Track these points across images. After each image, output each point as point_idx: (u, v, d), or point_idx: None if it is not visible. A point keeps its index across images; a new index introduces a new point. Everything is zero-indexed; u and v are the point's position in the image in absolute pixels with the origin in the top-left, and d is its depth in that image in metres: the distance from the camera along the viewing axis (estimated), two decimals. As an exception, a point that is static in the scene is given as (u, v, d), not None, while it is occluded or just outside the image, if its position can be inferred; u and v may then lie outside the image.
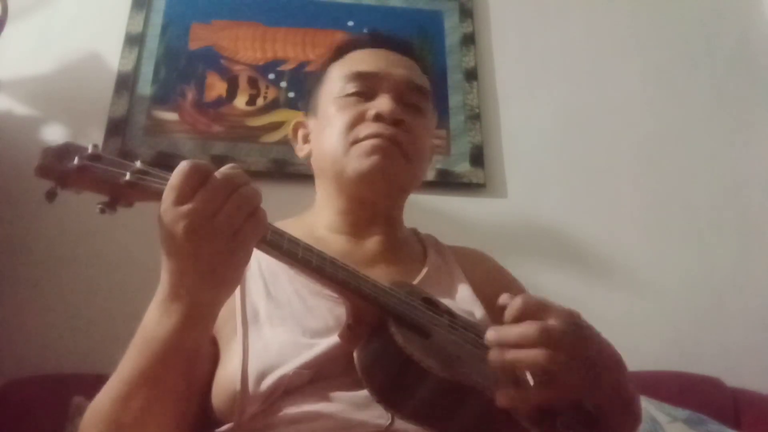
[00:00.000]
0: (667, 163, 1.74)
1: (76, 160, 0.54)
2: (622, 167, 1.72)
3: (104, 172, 0.54)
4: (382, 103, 0.81)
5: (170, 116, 1.59)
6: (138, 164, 0.56)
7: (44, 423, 1.10)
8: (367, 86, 0.84)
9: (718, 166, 1.76)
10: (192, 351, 0.61)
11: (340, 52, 0.91)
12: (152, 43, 1.66)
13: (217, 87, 1.64)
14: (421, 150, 0.85)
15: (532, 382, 0.56)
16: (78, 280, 1.38)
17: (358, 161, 0.80)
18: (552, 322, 0.56)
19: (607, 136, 1.75)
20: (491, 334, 0.57)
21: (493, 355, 0.56)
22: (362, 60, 0.87)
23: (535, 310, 0.58)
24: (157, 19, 1.69)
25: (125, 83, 1.59)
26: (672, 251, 1.64)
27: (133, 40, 1.65)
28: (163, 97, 1.61)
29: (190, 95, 1.62)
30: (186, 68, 1.65)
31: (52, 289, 1.37)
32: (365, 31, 0.97)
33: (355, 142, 0.81)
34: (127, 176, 0.54)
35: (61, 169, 0.54)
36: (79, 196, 0.56)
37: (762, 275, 1.64)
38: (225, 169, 0.56)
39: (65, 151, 0.55)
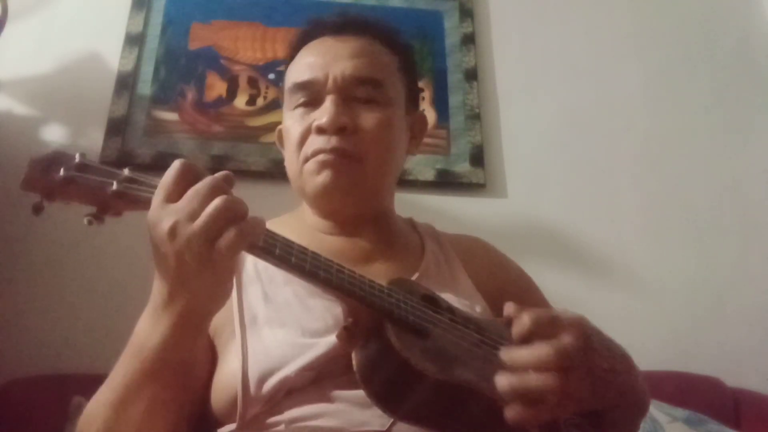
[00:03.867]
0: (667, 163, 1.74)
1: (61, 172, 0.53)
2: (622, 167, 1.72)
3: (90, 183, 0.53)
4: (323, 113, 0.77)
5: (170, 116, 1.59)
6: (126, 172, 0.55)
7: (44, 423, 1.10)
8: (310, 94, 0.80)
9: (718, 166, 1.76)
10: (184, 359, 0.61)
11: (292, 52, 0.87)
12: (152, 43, 1.66)
13: (217, 87, 1.64)
14: (378, 143, 0.80)
15: None
16: (78, 280, 1.39)
17: (311, 180, 0.78)
18: (565, 339, 0.54)
19: (607, 136, 1.75)
20: (504, 355, 0.55)
21: (505, 380, 0.53)
22: (304, 64, 0.82)
23: (545, 326, 0.55)
24: (157, 19, 1.69)
25: (125, 83, 1.59)
26: (672, 251, 1.64)
27: (133, 40, 1.65)
28: (163, 97, 1.61)
29: (190, 95, 1.62)
30: (186, 68, 1.65)
31: (52, 289, 1.37)
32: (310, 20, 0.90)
33: (306, 159, 0.78)
34: (114, 186, 0.53)
35: (46, 181, 0.53)
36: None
37: (762, 275, 1.64)
38: (216, 174, 0.54)
39: (52, 161, 0.54)
